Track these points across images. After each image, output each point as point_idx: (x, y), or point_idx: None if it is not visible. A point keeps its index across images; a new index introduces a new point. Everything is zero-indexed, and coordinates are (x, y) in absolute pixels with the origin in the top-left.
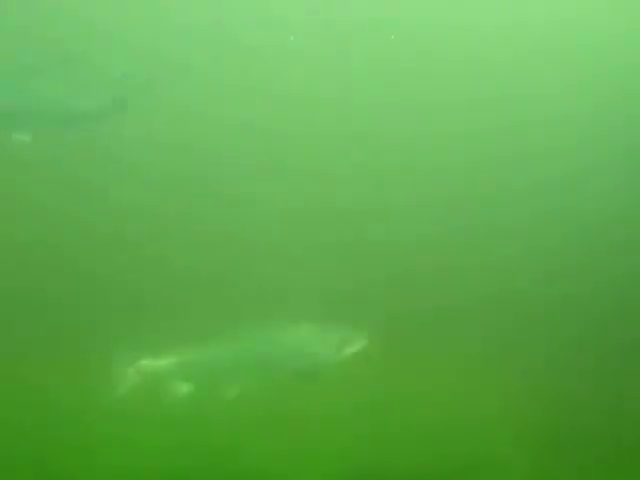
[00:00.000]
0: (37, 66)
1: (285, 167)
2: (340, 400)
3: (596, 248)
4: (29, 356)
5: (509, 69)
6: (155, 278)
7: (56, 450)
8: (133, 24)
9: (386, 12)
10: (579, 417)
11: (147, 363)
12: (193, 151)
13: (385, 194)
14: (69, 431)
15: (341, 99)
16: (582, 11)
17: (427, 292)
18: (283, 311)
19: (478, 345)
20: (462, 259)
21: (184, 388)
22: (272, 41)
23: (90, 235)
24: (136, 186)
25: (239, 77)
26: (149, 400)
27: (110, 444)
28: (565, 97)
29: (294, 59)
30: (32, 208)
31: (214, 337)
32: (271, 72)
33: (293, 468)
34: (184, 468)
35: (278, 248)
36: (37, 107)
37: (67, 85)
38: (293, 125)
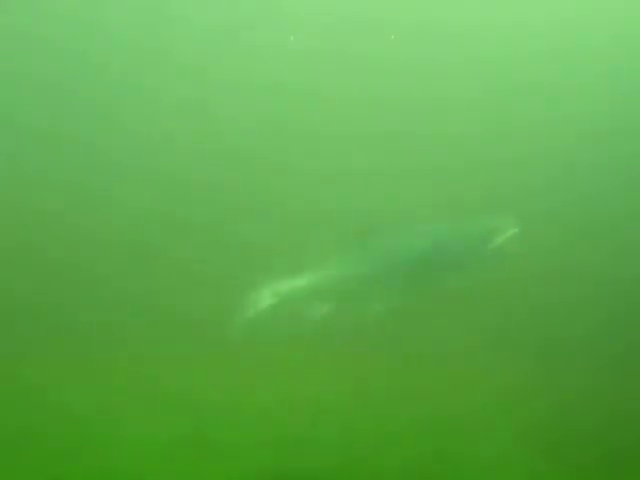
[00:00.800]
0: None
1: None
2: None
3: (598, 247)
4: (38, 353)
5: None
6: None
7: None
8: (136, 25)
9: (386, 12)
10: (578, 416)
11: (282, 286)
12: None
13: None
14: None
15: (340, 97)
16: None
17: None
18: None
19: (478, 344)
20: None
21: (323, 309)
22: (273, 41)
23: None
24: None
25: (240, 77)
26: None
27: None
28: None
29: (293, 58)
30: (32, 211)
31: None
32: (271, 71)
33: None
34: None
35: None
36: None
37: None
38: (295, 123)
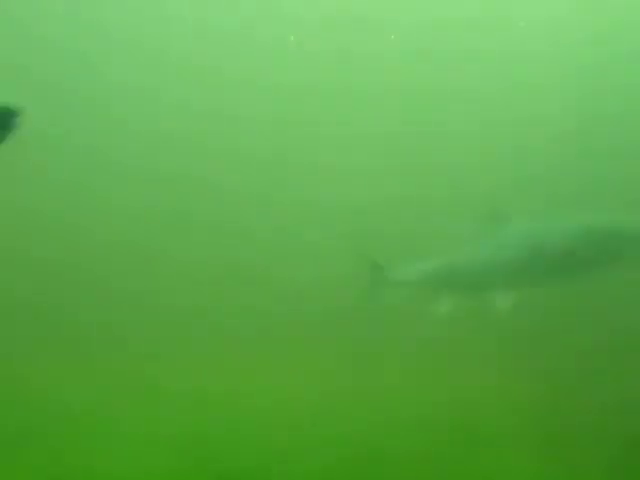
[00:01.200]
0: None
1: None
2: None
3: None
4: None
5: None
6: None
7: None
8: (138, 25)
9: (386, 12)
10: (578, 415)
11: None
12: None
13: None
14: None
15: (340, 97)
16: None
17: None
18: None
19: (477, 345)
20: None
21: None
22: (273, 40)
23: None
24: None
25: (240, 76)
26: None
27: None
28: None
29: (293, 57)
30: (32, 211)
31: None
32: (271, 71)
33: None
34: None
35: None
36: None
37: None
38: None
